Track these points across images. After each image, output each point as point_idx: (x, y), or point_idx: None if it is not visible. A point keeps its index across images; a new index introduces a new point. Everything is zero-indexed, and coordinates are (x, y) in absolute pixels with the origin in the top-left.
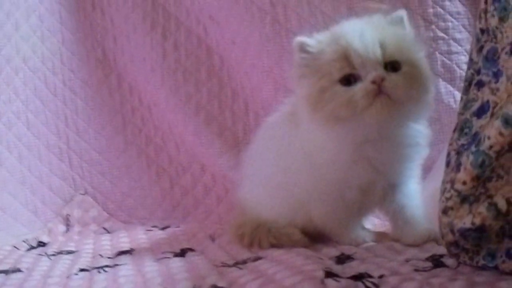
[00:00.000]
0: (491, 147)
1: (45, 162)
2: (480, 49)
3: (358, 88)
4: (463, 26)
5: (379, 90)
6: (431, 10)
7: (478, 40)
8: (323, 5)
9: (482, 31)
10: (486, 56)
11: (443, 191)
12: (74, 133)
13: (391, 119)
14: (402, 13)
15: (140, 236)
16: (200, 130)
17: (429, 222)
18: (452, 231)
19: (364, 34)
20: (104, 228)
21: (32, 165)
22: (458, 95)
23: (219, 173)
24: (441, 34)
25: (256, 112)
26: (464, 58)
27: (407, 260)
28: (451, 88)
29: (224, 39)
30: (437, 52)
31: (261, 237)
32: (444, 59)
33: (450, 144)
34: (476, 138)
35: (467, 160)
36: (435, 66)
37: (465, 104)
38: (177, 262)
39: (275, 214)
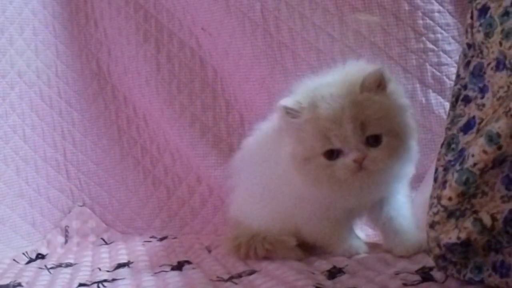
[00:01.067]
0: (475, 164)
1: (42, 174)
2: (467, 64)
3: (340, 164)
4: (453, 37)
5: (359, 166)
6: (421, 22)
7: (465, 55)
8: (314, 17)
9: (469, 46)
10: (472, 71)
11: (431, 206)
12: (70, 145)
13: (372, 190)
14: (379, 73)
15: (138, 248)
16: (196, 142)
17: (420, 232)
18: (438, 246)
19: (344, 118)
20: (103, 239)
21: (29, 177)
22: (448, 105)
23: (215, 184)
24: (431, 46)
25: (251, 123)
26: (454, 70)
27: (396, 273)
28: (441, 100)
29: (217, 50)
30: (427, 64)
31: (256, 246)
32: (434, 70)
33: (438, 160)
34: (461, 155)
35: (452, 177)
36: (425, 78)
37: (452, 120)
38: (174, 277)
39: (266, 225)
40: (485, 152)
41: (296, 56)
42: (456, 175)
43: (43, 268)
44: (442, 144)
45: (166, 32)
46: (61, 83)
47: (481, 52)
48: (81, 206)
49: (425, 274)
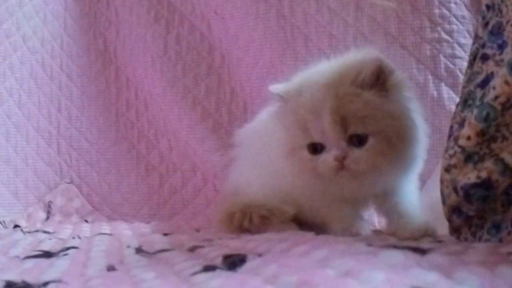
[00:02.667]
0: (496, 97)
1: (32, 144)
2: (486, 24)
3: (321, 161)
4: (468, 31)
5: (341, 165)
6: (437, 11)
7: (483, 17)
8: (330, 1)
9: (488, 7)
10: (491, 30)
11: (446, 149)
12: (65, 120)
13: (356, 190)
14: (377, 65)
15: (122, 226)
16: (195, 126)
17: (427, 217)
18: (455, 190)
19: (323, 109)
20: (86, 221)
21: (18, 145)
22: None
23: (211, 172)
24: (446, 36)
25: (254, 113)
26: None
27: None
28: (453, 95)
29: (227, 35)
30: (441, 55)
31: (252, 213)
32: (448, 62)
33: (453, 118)
34: None
35: (472, 114)
36: (438, 70)
37: (469, 78)
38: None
39: (265, 197)
40: (507, 83)
41: (308, 40)
42: (475, 111)
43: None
44: (458, 104)
45: (177, 14)
46: (64, 56)
47: (500, 11)
48: (68, 183)
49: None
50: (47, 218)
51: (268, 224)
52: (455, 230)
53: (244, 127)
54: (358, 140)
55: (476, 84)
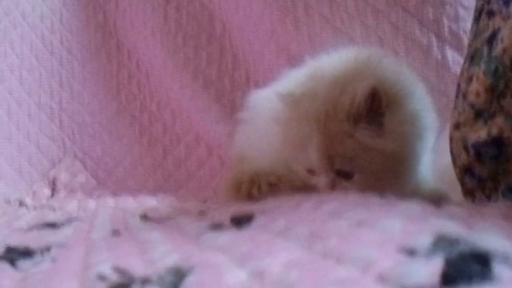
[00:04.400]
0: (504, 50)
1: (34, 120)
2: None
3: (315, 180)
4: None
5: (334, 187)
6: None
7: None
8: None
9: None
10: None
11: (455, 106)
12: (67, 94)
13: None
14: (371, 93)
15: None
16: (198, 95)
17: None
18: (465, 148)
19: (311, 146)
20: (91, 197)
21: (21, 122)
22: None
23: (215, 143)
24: None
25: (257, 81)
26: None
27: None
28: (457, 57)
29: (227, 3)
30: (444, 17)
31: (261, 180)
32: (452, 24)
33: (461, 75)
34: None
35: (479, 69)
36: (442, 32)
37: (475, 34)
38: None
39: (274, 163)
40: None
41: (308, 6)
42: (483, 66)
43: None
44: (465, 60)
45: None
46: (64, 31)
47: None
48: (71, 158)
49: None
50: (52, 194)
51: (277, 192)
52: (468, 193)
53: (259, 90)
54: (345, 174)
55: (482, 41)
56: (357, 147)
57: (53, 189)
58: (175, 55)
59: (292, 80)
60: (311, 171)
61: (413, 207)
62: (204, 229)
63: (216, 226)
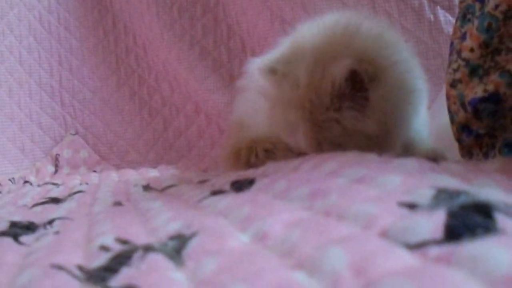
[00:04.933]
0: (497, 6)
1: (35, 99)
2: None
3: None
4: None
5: None
6: None
7: None
8: None
9: None
10: None
11: (450, 64)
12: (67, 72)
13: None
14: (350, 73)
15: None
16: (195, 65)
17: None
18: (463, 105)
19: (298, 132)
20: (95, 172)
21: (22, 101)
22: None
23: (214, 112)
24: None
25: (253, 49)
26: None
27: None
28: (450, 17)
29: None
30: None
31: (258, 147)
32: None
33: (453, 34)
34: None
35: (473, 26)
36: None
37: None
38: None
39: (273, 131)
40: None
41: None
42: (476, 22)
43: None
44: (457, 19)
45: None
46: (61, 10)
47: None
48: (73, 134)
49: None
50: (56, 171)
51: (274, 158)
52: (466, 151)
53: (255, 58)
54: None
55: None
56: (345, 132)
57: (57, 166)
58: (171, 27)
59: (278, 51)
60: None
61: (411, 163)
62: (205, 195)
63: (217, 192)
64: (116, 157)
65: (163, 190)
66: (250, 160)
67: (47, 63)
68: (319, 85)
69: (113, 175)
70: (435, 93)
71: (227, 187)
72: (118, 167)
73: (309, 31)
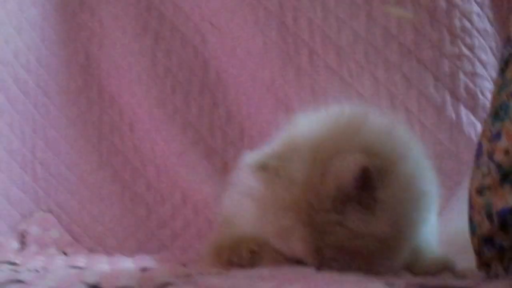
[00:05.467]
0: None
1: (4, 168)
2: None
3: None
4: (490, 48)
5: None
6: (458, 23)
7: None
8: (339, 9)
9: None
10: None
11: (478, 167)
12: (42, 142)
13: None
14: (361, 171)
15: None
16: (185, 151)
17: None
18: (489, 216)
19: (294, 239)
20: (65, 254)
21: None
22: (480, 127)
23: (202, 203)
24: (466, 51)
25: (252, 138)
26: (489, 85)
27: None
28: (473, 119)
29: (223, 49)
30: (460, 72)
31: (242, 247)
32: (468, 81)
33: (482, 133)
34: None
35: (510, 124)
36: (457, 89)
37: (501, 86)
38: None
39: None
40: None
41: (313, 54)
42: None
43: None
44: (488, 116)
45: (168, 25)
46: (41, 71)
47: None
48: (45, 211)
49: None
50: (21, 248)
51: (258, 260)
52: (484, 264)
53: (254, 150)
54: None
55: (510, 93)
56: (350, 235)
57: (23, 242)
58: (162, 104)
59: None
60: None
61: None
62: None
63: None
64: (91, 240)
65: None
66: (233, 261)
67: (19, 128)
68: (318, 183)
69: (81, 260)
70: (446, 197)
71: None
72: (92, 250)
73: (306, 123)
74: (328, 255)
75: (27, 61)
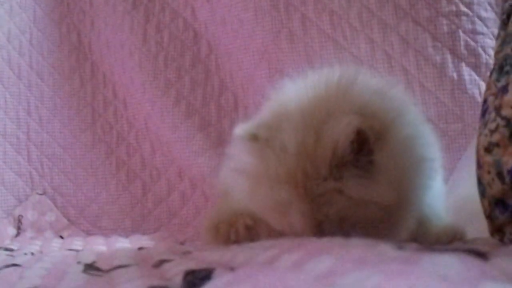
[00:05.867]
0: None
1: None
2: None
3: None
4: (489, 3)
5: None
6: None
7: None
8: None
9: None
10: None
11: (485, 123)
12: (36, 123)
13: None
14: (356, 134)
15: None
16: (179, 124)
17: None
18: (500, 175)
19: (292, 211)
20: (61, 237)
21: None
22: (483, 85)
23: (198, 177)
24: (464, 9)
25: (247, 107)
26: (491, 42)
27: None
28: (475, 76)
29: (214, 20)
30: (460, 30)
31: (238, 222)
32: (468, 39)
33: (488, 89)
34: None
35: None
36: (458, 48)
37: (504, 40)
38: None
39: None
40: None
41: (305, 19)
42: None
43: None
44: (491, 72)
45: (158, 0)
46: (34, 53)
47: None
48: (40, 194)
49: None
50: (18, 234)
51: (255, 236)
52: (497, 230)
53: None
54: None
55: None
56: (350, 204)
57: (19, 228)
58: (155, 79)
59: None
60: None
61: (450, 262)
62: None
63: None
64: (87, 222)
65: (109, 271)
66: (230, 237)
67: (14, 111)
68: (312, 151)
69: (77, 243)
70: (453, 164)
71: (178, 280)
72: (88, 233)
73: (294, 89)
74: (328, 229)
75: (20, 44)
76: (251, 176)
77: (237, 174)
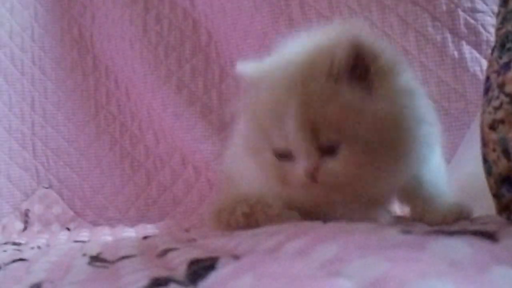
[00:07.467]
0: None
1: (4, 148)
2: None
3: (290, 169)
4: None
5: (314, 179)
6: None
7: None
8: None
9: None
10: None
11: (489, 101)
12: (40, 118)
13: (339, 207)
14: (354, 46)
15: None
16: (182, 112)
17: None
18: (505, 152)
19: (287, 115)
20: (68, 229)
21: None
22: (485, 63)
23: (202, 164)
24: None
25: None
26: (491, 20)
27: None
28: (476, 54)
29: (213, 8)
30: (459, 9)
31: (237, 210)
32: (468, 17)
33: (490, 66)
34: None
35: None
36: (457, 26)
37: (505, 17)
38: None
39: (259, 187)
40: None
41: (304, 4)
42: None
43: None
44: (493, 49)
45: None
46: (36, 48)
47: None
48: (46, 188)
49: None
50: (25, 228)
51: (254, 222)
52: (504, 208)
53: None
54: (330, 148)
55: None
56: (344, 109)
57: (26, 222)
58: (156, 69)
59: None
60: (284, 155)
61: (458, 245)
62: (143, 283)
63: (158, 282)
64: (93, 214)
65: (114, 262)
66: (231, 224)
67: (18, 107)
68: (314, 59)
69: (84, 234)
70: (456, 142)
71: (182, 270)
72: (95, 223)
73: (296, 44)
74: (321, 136)
75: (22, 41)
76: (250, 107)
77: (239, 148)
